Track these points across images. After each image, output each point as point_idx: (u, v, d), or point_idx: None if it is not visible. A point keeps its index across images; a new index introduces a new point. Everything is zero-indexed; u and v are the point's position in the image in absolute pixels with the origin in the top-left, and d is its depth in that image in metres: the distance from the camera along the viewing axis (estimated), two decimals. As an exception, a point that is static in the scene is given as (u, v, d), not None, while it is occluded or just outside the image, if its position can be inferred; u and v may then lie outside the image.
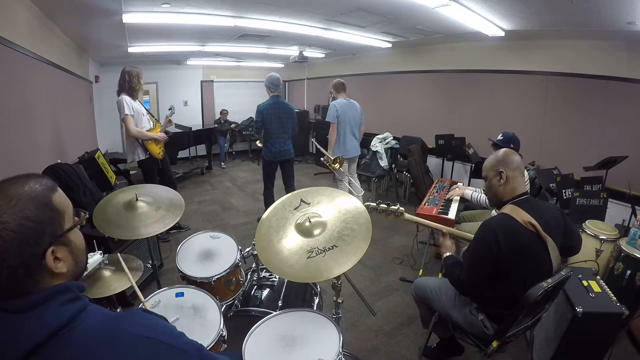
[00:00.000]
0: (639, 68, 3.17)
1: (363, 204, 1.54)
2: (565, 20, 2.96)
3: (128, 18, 3.13)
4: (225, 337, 1.35)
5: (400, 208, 1.82)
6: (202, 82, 8.02)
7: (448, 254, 1.73)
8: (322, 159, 3.94)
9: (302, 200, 1.50)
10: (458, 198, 3.01)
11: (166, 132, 3.54)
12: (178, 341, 0.68)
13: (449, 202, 2.98)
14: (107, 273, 1.48)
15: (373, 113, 4.13)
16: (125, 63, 3.31)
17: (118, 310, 1.67)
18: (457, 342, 2.02)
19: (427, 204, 3.01)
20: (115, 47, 4.74)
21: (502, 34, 3.56)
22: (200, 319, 1.36)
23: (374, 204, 1.81)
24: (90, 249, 1.47)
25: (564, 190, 2.90)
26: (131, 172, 4.74)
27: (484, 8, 2.91)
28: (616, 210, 3.14)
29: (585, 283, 1.73)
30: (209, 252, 1.86)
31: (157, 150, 3.44)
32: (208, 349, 1.22)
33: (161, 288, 1.53)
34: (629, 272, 2.17)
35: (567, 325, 1.63)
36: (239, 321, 1.63)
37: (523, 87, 4.19)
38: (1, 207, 0.59)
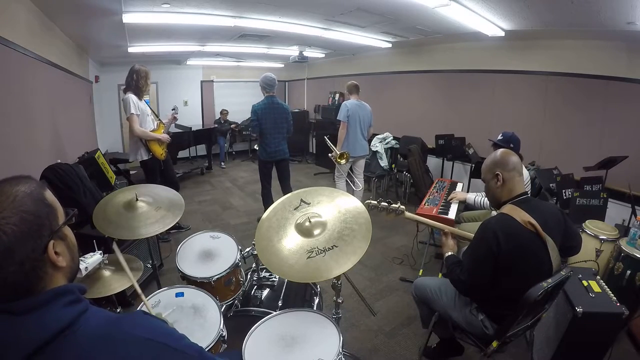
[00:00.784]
0: (639, 68, 3.17)
1: (364, 202, 1.54)
2: (565, 20, 2.96)
3: (128, 18, 3.13)
4: (225, 337, 1.34)
5: (401, 206, 1.82)
6: (202, 82, 8.02)
7: (449, 253, 1.73)
8: (330, 154, 4.07)
9: (302, 200, 1.50)
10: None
11: (168, 133, 3.54)
12: (179, 343, 0.68)
13: (449, 202, 2.99)
14: (107, 273, 1.48)
15: (373, 113, 4.14)
16: (125, 63, 3.32)
17: (118, 310, 1.67)
18: (457, 342, 2.02)
19: (427, 204, 3.02)
20: (115, 47, 4.74)
21: (502, 34, 3.56)
22: (200, 319, 1.36)
23: (375, 202, 1.81)
24: (90, 249, 1.47)
25: (564, 190, 2.90)
26: (131, 172, 4.73)
27: (484, 8, 2.92)
28: (616, 210, 3.14)
29: (585, 283, 1.73)
30: (209, 252, 1.86)
31: (160, 151, 3.44)
32: (208, 349, 1.22)
33: (161, 288, 1.53)
34: (629, 272, 2.17)
35: (567, 325, 1.63)
36: (239, 321, 1.62)
37: (523, 87, 4.19)
38: (1, 204, 0.60)
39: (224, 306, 1.72)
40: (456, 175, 4.90)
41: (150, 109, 3.46)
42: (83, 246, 0.77)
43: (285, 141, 3.86)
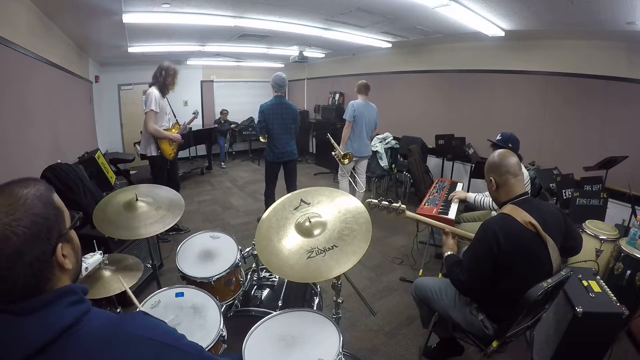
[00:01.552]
0: (639, 68, 3.17)
1: (364, 201, 1.54)
2: (565, 20, 2.96)
3: (128, 18, 3.12)
4: (225, 337, 1.34)
5: (402, 206, 1.82)
6: (202, 82, 8.02)
7: (449, 252, 1.73)
8: (333, 153, 4.04)
9: (302, 200, 1.50)
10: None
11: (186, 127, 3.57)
12: (179, 343, 0.69)
13: (449, 202, 2.98)
14: (107, 273, 1.48)
15: (373, 113, 4.15)
16: (125, 63, 3.33)
17: (118, 310, 1.67)
18: (457, 342, 2.02)
19: (427, 204, 3.01)
20: (115, 47, 4.74)
21: (502, 34, 3.55)
22: (200, 319, 1.36)
23: (376, 201, 1.81)
24: (90, 249, 1.47)
25: (564, 190, 2.90)
26: (131, 172, 4.74)
27: (484, 8, 2.91)
28: (616, 210, 3.13)
29: (585, 283, 1.73)
30: (209, 252, 1.86)
31: (169, 151, 3.45)
32: (208, 349, 1.22)
33: (161, 288, 1.53)
34: (629, 272, 2.17)
35: (567, 325, 1.63)
36: (239, 321, 1.63)
37: (523, 87, 4.19)
38: (12, 206, 0.60)
39: (224, 306, 1.72)
40: (456, 175, 4.90)
41: (170, 107, 3.48)
42: (83, 246, 0.78)
43: (294, 142, 3.81)
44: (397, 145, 5.39)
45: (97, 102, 5.86)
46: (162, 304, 1.42)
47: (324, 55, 6.66)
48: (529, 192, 2.29)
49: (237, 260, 1.80)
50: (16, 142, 2.31)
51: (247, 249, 1.91)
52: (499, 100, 4.48)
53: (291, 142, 3.76)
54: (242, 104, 8.22)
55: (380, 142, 5.37)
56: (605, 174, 3.07)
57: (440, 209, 2.87)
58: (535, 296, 1.33)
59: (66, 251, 0.67)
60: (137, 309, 1.29)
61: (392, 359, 2.15)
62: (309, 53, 6.25)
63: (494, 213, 2.50)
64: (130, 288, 1.39)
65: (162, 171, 3.48)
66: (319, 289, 1.99)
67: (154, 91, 3.24)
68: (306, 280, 1.75)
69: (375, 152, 5.31)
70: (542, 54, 3.90)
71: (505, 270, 1.43)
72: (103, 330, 0.63)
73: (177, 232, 3.79)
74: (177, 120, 3.61)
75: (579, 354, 1.66)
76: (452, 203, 2.94)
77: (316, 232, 1.35)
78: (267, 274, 1.99)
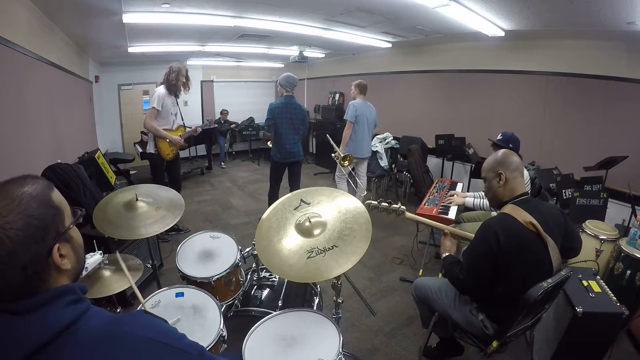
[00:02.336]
0: (639, 68, 3.17)
1: (364, 202, 1.54)
2: (565, 20, 2.96)
3: (128, 18, 3.12)
4: (225, 337, 1.35)
5: (402, 207, 1.82)
6: (202, 82, 8.01)
7: (447, 253, 1.73)
8: (332, 154, 3.99)
9: (302, 200, 1.50)
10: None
11: (201, 127, 3.63)
12: (180, 342, 0.68)
13: (447, 205, 2.98)
14: (107, 273, 1.48)
15: (373, 113, 4.14)
16: (125, 63, 3.34)
17: (118, 310, 1.67)
18: (457, 342, 2.02)
19: (427, 204, 3.01)
20: (115, 47, 4.74)
21: (502, 34, 3.55)
22: (200, 319, 1.36)
23: (376, 202, 1.81)
24: (90, 249, 1.47)
25: (564, 190, 2.90)
26: (131, 172, 4.74)
27: (484, 8, 2.91)
28: (616, 210, 3.13)
29: (585, 283, 1.73)
30: (209, 252, 1.86)
31: (167, 151, 3.45)
32: (208, 349, 1.22)
33: (161, 288, 1.53)
34: (629, 272, 2.17)
35: (567, 325, 1.63)
36: (239, 321, 1.63)
37: (523, 87, 4.19)
38: (6, 208, 0.59)
39: (224, 306, 1.72)
40: (456, 175, 4.90)
41: (179, 110, 3.50)
42: (83, 246, 0.77)
43: (300, 143, 3.77)
44: (397, 145, 5.39)
45: (97, 102, 5.86)
46: (162, 304, 1.42)
47: (324, 55, 6.66)
48: (529, 192, 2.29)
49: (237, 260, 1.80)
50: (16, 142, 2.31)
51: (247, 249, 1.91)
52: (499, 100, 4.48)
53: (298, 143, 3.73)
54: (242, 104, 8.22)
55: (380, 142, 5.37)
56: (605, 174, 3.07)
57: (440, 209, 2.87)
58: (535, 296, 1.33)
59: (65, 251, 0.66)
60: (140, 305, 1.29)
61: (392, 359, 2.15)
62: (309, 53, 6.24)
63: (494, 213, 2.50)
64: (130, 288, 1.39)
65: (160, 170, 3.48)
66: (319, 289, 1.99)
67: (160, 89, 3.29)
68: (306, 280, 1.75)
69: (375, 152, 5.30)
70: (542, 54, 3.90)
71: (506, 270, 1.43)
72: (102, 330, 0.62)
73: (177, 232, 3.78)
74: (184, 123, 3.60)
75: (579, 354, 1.66)
76: (451, 206, 2.93)
77: (316, 232, 1.35)
78: (267, 274, 1.99)
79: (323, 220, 1.39)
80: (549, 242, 1.43)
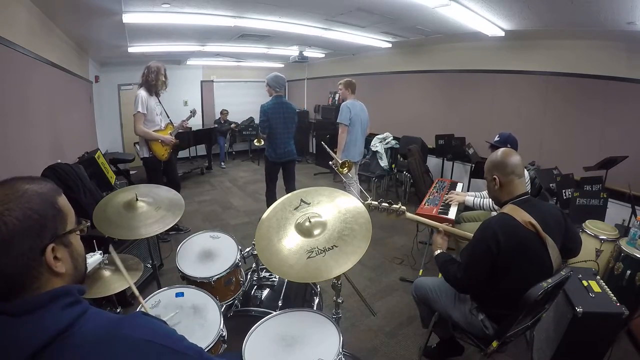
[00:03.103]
0: (639, 68, 3.17)
1: (364, 203, 1.53)
2: (565, 20, 2.96)
3: (128, 18, 3.13)
4: (225, 337, 1.34)
5: (402, 207, 1.82)
6: (202, 82, 8.02)
7: (439, 251, 1.74)
8: (330, 162, 3.77)
9: (302, 200, 1.50)
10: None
11: (186, 127, 3.54)
12: (179, 345, 0.68)
13: (448, 203, 2.98)
14: (107, 273, 1.48)
15: (373, 113, 4.10)
16: (125, 63, 3.32)
17: (118, 310, 1.67)
18: (457, 342, 2.02)
19: (427, 204, 3.01)
20: (115, 47, 4.74)
21: (502, 34, 3.56)
22: (200, 319, 1.36)
23: (376, 203, 1.81)
24: (90, 249, 1.47)
25: (564, 190, 2.90)
26: (131, 172, 4.74)
27: (484, 8, 2.91)
28: (616, 210, 3.13)
29: (585, 283, 1.73)
30: (209, 252, 1.86)
31: (162, 152, 3.43)
32: (208, 349, 1.22)
33: (161, 288, 1.53)
34: (629, 272, 2.17)
35: (567, 325, 1.63)
36: (239, 321, 1.62)
37: (523, 87, 4.19)
38: (8, 196, 0.60)
39: (224, 306, 1.72)
40: (456, 175, 4.90)
41: (162, 107, 3.46)
42: (83, 246, 0.76)
43: (293, 142, 3.78)
44: (397, 145, 5.39)
45: (97, 102, 5.86)
46: (162, 304, 1.42)
47: (324, 55, 6.66)
48: (529, 192, 2.29)
49: (237, 260, 1.80)
50: (16, 142, 2.31)
51: (247, 249, 1.91)
52: (499, 100, 4.48)
53: (291, 141, 3.75)
54: (242, 104, 8.22)
55: (380, 142, 5.37)
56: (605, 174, 3.07)
57: (441, 209, 2.87)
58: (535, 296, 1.33)
59: (60, 254, 0.66)
60: (140, 305, 1.29)
61: (392, 359, 2.15)
62: (309, 53, 6.25)
63: (493, 213, 2.50)
64: (130, 288, 1.39)
65: (157, 172, 3.45)
66: (319, 289, 1.99)
67: (141, 92, 3.20)
68: (306, 280, 1.75)
69: (375, 152, 5.30)
70: (542, 54, 3.90)
71: (505, 270, 1.43)
72: (101, 332, 0.62)
73: (177, 232, 3.79)
74: (170, 120, 3.58)
75: (579, 354, 1.66)
76: (451, 205, 2.93)
77: (316, 232, 1.35)
78: (267, 274, 1.99)
79: (323, 220, 1.39)
80: (548, 242, 1.43)
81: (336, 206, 1.45)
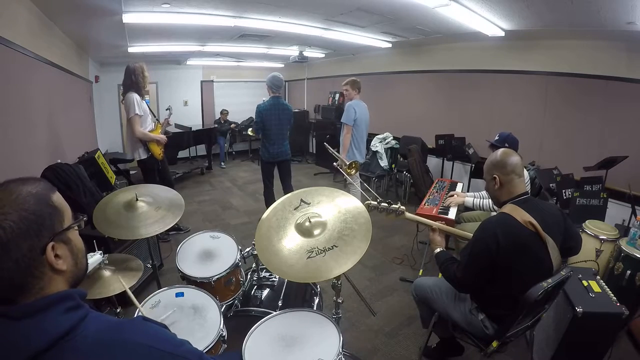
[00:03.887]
0: (639, 68, 3.17)
1: (363, 202, 1.53)
2: (565, 20, 2.96)
3: (128, 18, 3.13)
4: (225, 337, 1.34)
5: (401, 207, 1.82)
6: (202, 82, 8.02)
7: (439, 249, 1.74)
8: (335, 164, 3.65)
9: (302, 200, 1.50)
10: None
11: (165, 133, 3.55)
12: (180, 349, 0.68)
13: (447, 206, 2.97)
14: (107, 273, 1.48)
15: (373, 113, 4.07)
16: (125, 63, 3.31)
17: (118, 310, 1.66)
18: (457, 342, 2.02)
19: (427, 204, 3.01)
20: (115, 47, 4.74)
21: (502, 34, 3.56)
22: (200, 319, 1.36)
23: (375, 203, 1.81)
24: (90, 249, 1.47)
25: (564, 190, 2.90)
26: (131, 172, 4.74)
27: (484, 8, 2.91)
28: (616, 210, 3.13)
29: (585, 283, 1.73)
30: (209, 252, 1.86)
31: (159, 152, 3.45)
32: (208, 349, 1.22)
33: (161, 288, 1.53)
34: (629, 272, 2.17)
35: (567, 325, 1.63)
36: (239, 321, 1.62)
37: (523, 87, 4.19)
38: (2, 200, 0.60)
39: (224, 306, 1.72)
40: (456, 175, 4.90)
41: (149, 108, 3.47)
42: (85, 253, 0.76)
43: (288, 142, 3.81)
44: (397, 145, 5.39)
45: (97, 102, 5.86)
46: (162, 304, 1.42)
47: (324, 55, 6.66)
48: (529, 192, 2.29)
49: (237, 260, 1.80)
50: (16, 142, 2.31)
51: (247, 249, 1.91)
52: (499, 100, 4.48)
53: (285, 142, 3.78)
54: (242, 104, 8.22)
55: (380, 142, 5.37)
56: (605, 174, 3.07)
57: (441, 209, 2.87)
58: (535, 296, 1.33)
59: (61, 252, 0.66)
60: (137, 310, 1.29)
61: (392, 359, 2.15)
62: (309, 53, 6.25)
63: (493, 213, 2.50)
64: (130, 288, 1.39)
65: (154, 173, 3.47)
66: (319, 289, 1.99)
67: (134, 95, 3.18)
68: (306, 280, 1.76)
69: (375, 152, 5.30)
70: (542, 54, 3.90)
71: (505, 270, 1.43)
72: (101, 337, 0.62)
73: (177, 232, 3.79)
74: (158, 119, 3.59)
75: (579, 354, 1.66)
76: (451, 207, 2.93)
77: (316, 232, 1.35)
78: (267, 274, 1.99)
79: (323, 220, 1.39)
80: (548, 241, 1.42)
81: (336, 206, 1.45)
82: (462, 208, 3.04)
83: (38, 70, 2.85)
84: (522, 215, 1.42)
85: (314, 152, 8.12)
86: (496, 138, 2.57)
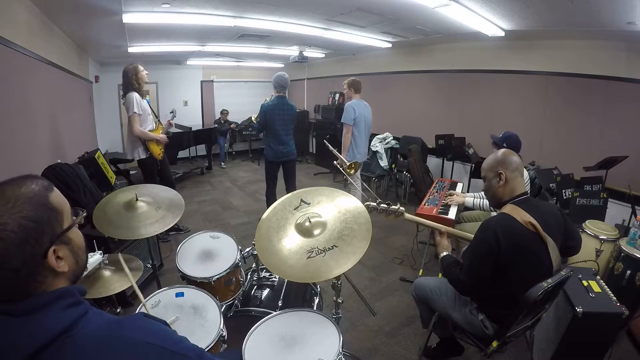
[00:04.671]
0: (639, 68, 3.17)
1: (363, 203, 1.53)
2: (565, 20, 2.96)
3: (128, 18, 3.13)
4: (225, 337, 1.35)
5: (401, 208, 1.82)
6: (202, 82, 8.02)
7: (445, 253, 1.72)
8: (335, 162, 3.62)
9: (302, 200, 1.50)
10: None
11: (166, 133, 3.55)
12: (179, 346, 0.68)
13: (448, 204, 2.98)
14: (107, 273, 1.48)
15: (373, 113, 4.08)
16: (125, 63, 3.31)
17: (118, 310, 1.67)
18: (457, 342, 2.02)
19: (427, 204, 3.01)
20: (115, 47, 4.74)
21: (502, 34, 3.56)
22: (200, 319, 1.36)
23: (374, 204, 1.81)
24: (90, 249, 1.47)
25: (564, 190, 2.90)
26: (131, 172, 4.73)
27: (484, 8, 2.91)
28: (616, 210, 3.13)
29: (585, 283, 1.73)
30: (209, 252, 1.86)
31: (158, 151, 3.44)
32: (208, 349, 1.22)
33: (161, 288, 1.53)
34: (629, 272, 2.17)
35: (567, 325, 1.63)
36: (239, 321, 1.63)
37: (523, 87, 4.19)
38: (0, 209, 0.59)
39: (224, 306, 1.72)
40: (456, 175, 4.90)
41: (151, 108, 3.47)
42: (85, 248, 0.76)
43: (293, 142, 3.78)
44: (397, 145, 5.39)
45: (97, 102, 5.86)
46: (162, 304, 1.42)
47: (324, 55, 6.66)
48: (529, 192, 2.29)
49: (237, 260, 1.80)
50: (17, 142, 2.31)
51: (247, 249, 1.91)
52: (499, 100, 4.48)
53: (291, 142, 3.74)
54: (242, 104, 8.22)
55: (380, 142, 5.37)
56: (605, 174, 3.07)
57: (441, 209, 2.87)
58: (535, 296, 1.33)
59: (62, 253, 0.65)
60: (141, 305, 1.29)
61: (392, 359, 2.15)
62: (309, 53, 6.25)
63: (493, 213, 2.50)
64: (130, 288, 1.39)
65: (153, 172, 3.47)
66: (319, 289, 1.99)
67: (134, 94, 3.19)
68: (306, 280, 1.75)
69: (375, 152, 5.30)
70: (542, 54, 3.90)
71: (505, 270, 1.42)
72: (101, 334, 0.62)
73: (177, 232, 3.79)
74: (159, 120, 3.60)
75: (579, 354, 1.66)
76: (451, 206, 2.93)
77: (316, 232, 1.35)
78: (267, 274, 1.99)
79: (323, 220, 1.39)
80: (548, 242, 1.42)
81: (336, 206, 1.45)
82: (462, 208, 3.04)
83: (38, 70, 2.85)
84: (522, 216, 1.42)
85: (314, 152, 8.12)
86: (500, 136, 2.57)
